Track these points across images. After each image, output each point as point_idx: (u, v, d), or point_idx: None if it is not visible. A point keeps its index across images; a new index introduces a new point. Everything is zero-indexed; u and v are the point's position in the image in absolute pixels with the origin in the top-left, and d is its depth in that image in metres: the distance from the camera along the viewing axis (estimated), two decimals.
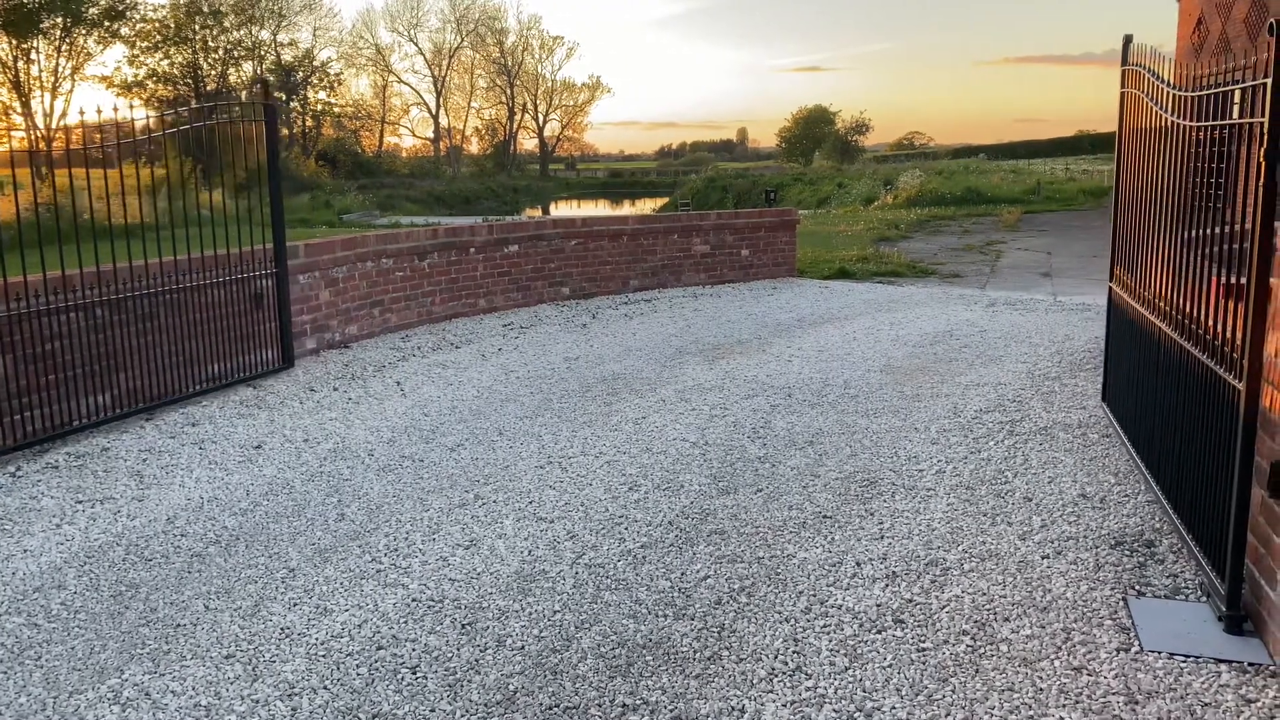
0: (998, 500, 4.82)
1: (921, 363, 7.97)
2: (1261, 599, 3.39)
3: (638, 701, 3.14)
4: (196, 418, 6.72)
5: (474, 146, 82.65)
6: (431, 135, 78.04)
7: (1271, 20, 3.29)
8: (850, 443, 5.84)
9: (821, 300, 11.52)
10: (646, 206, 55.74)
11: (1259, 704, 3.00)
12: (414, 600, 3.93)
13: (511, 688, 3.26)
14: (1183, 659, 3.29)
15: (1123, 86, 5.71)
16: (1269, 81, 3.30)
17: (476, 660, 3.44)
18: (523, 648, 3.52)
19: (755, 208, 23.15)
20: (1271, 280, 3.39)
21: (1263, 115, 3.34)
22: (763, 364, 8.09)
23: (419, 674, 3.37)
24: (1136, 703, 3.03)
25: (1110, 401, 6.11)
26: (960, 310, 10.60)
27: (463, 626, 3.69)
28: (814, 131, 76.38)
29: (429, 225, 13.40)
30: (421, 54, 78.71)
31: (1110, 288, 6.06)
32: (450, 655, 3.48)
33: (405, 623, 3.74)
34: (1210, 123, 4.01)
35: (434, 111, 77.00)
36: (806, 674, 3.26)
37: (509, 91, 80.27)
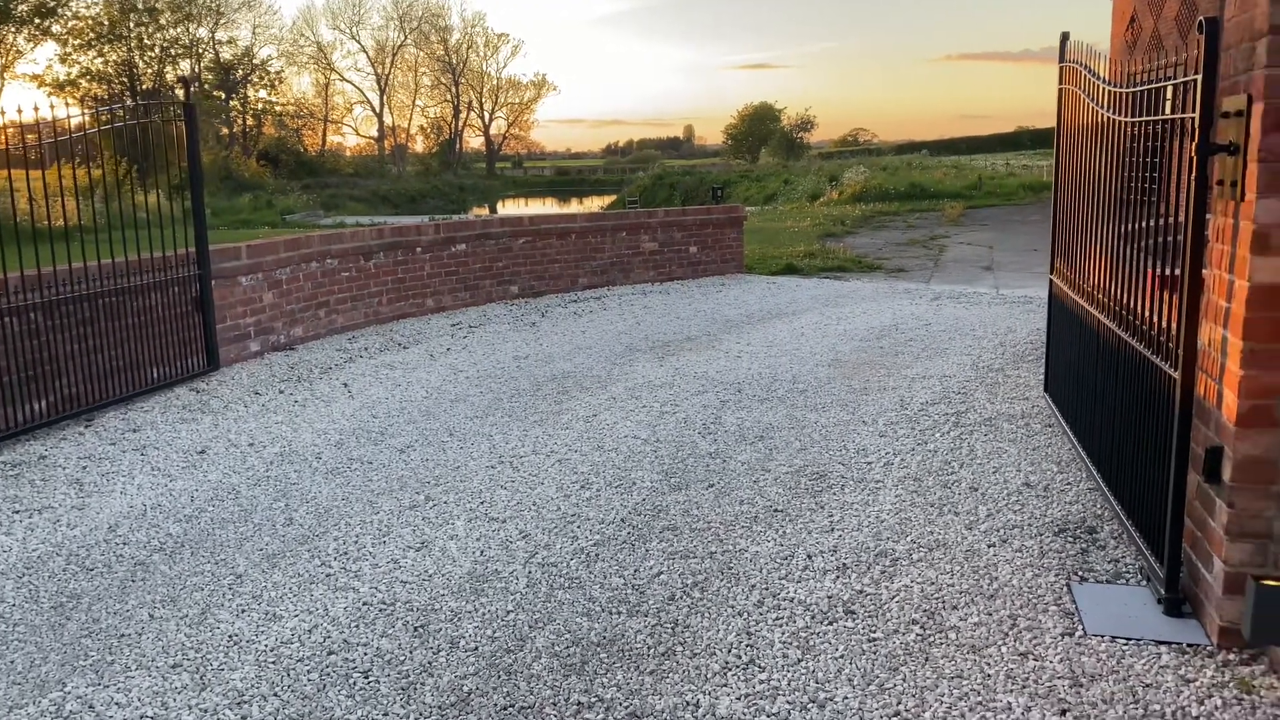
0: (945, 491, 4.89)
1: (868, 357, 8.06)
2: (1198, 581, 3.48)
3: (593, 699, 3.14)
4: (137, 423, 6.57)
5: (419, 145, 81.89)
6: (375, 134, 77.16)
7: (1201, 19, 3.38)
8: (800, 437, 5.89)
9: (770, 296, 11.60)
10: (594, 204, 55.65)
11: (1197, 684, 3.08)
12: (365, 604, 3.88)
13: (466, 689, 3.24)
14: (1124, 642, 3.37)
15: (1060, 83, 5.82)
16: (1199, 78, 3.39)
17: (430, 662, 3.42)
18: (476, 648, 3.50)
19: (703, 205, 23.24)
20: (1204, 271, 3.49)
21: (1193, 111, 3.43)
22: (712, 360, 8.13)
23: (371, 678, 3.33)
24: (1081, 685, 3.10)
25: (1052, 392, 6.23)
26: (905, 304, 10.74)
27: (415, 629, 3.66)
28: (760, 128, 76.88)
29: (374, 225, 13.26)
30: (364, 51, 77.73)
31: (1051, 280, 6.18)
32: (403, 658, 3.45)
33: (356, 627, 3.69)
34: (1144, 118, 4.11)
35: (378, 110, 76.15)
36: (760, 667, 3.29)
37: (454, 89, 79.65)
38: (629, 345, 8.82)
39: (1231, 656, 3.23)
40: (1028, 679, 3.14)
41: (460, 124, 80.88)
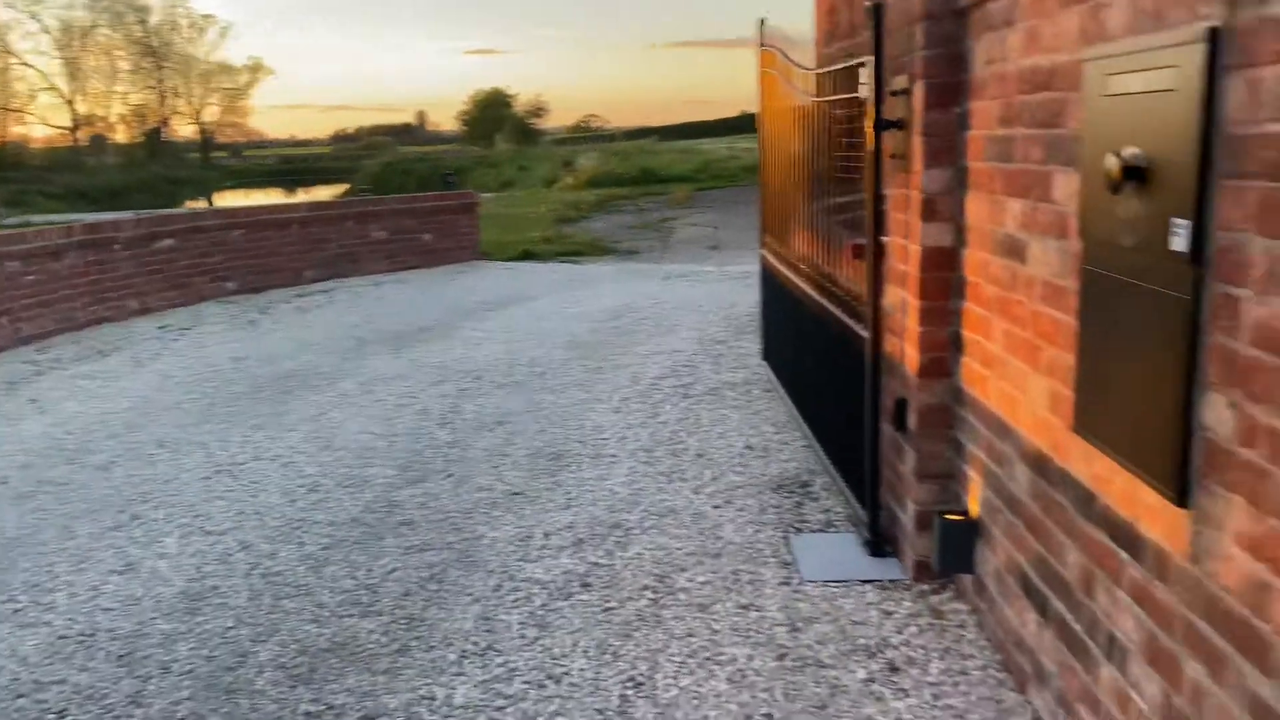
0: (674, 460, 5.07)
1: (604, 337, 8.22)
2: (895, 522, 3.81)
3: (321, 707, 3.00)
4: None
5: (121, 135, 74.70)
6: (68, 123, 69.66)
7: (868, 4, 3.66)
8: (538, 419, 5.91)
9: (507, 282, 11.57)
10: (324, 193, 53.10)
11: (896, 615, 3.38)
12: (60, 638, 3.50)
13: (179, 715, 2.99)
14: (836, 585, 3.63)
15: (760, 66, 6.16)
16: (872, 59, 3.68)
17: (138, 692, 3.13)
18: (191, 671, 3.24)
19: (438, 191, 22.78)
20: (884, 239, 3.81)
21: (869, 90, 3.72)
22: (450, 349, 8.00)
23: (68, 718, 3.01)
24: (798, 630, 3.31)
25: (769, 359, 6.62)
26: (638, 285, 11.05)
27: (120, 658, 3.34)
28: (493, 114, 76.34)
29: (67, 223, 11.99)
30: (48, 32, 69.82)
31: (761, 254, 6.55)
32: (106, 691, 3.14)
33: (50, 664, 3.33)
34: (831, 97, 4.41)
35: (68, 97, 68.77)
36: (498, 651, 3.27)
37: (158, 74, 73.29)
38: (361, 339, 8.50)
39: (925, 588, 3.56)
40: (750, 629, 3.32)
41: (168, 112, 74.61)
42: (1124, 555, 2.22)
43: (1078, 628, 2.49)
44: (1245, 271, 1.72)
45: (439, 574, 3.88)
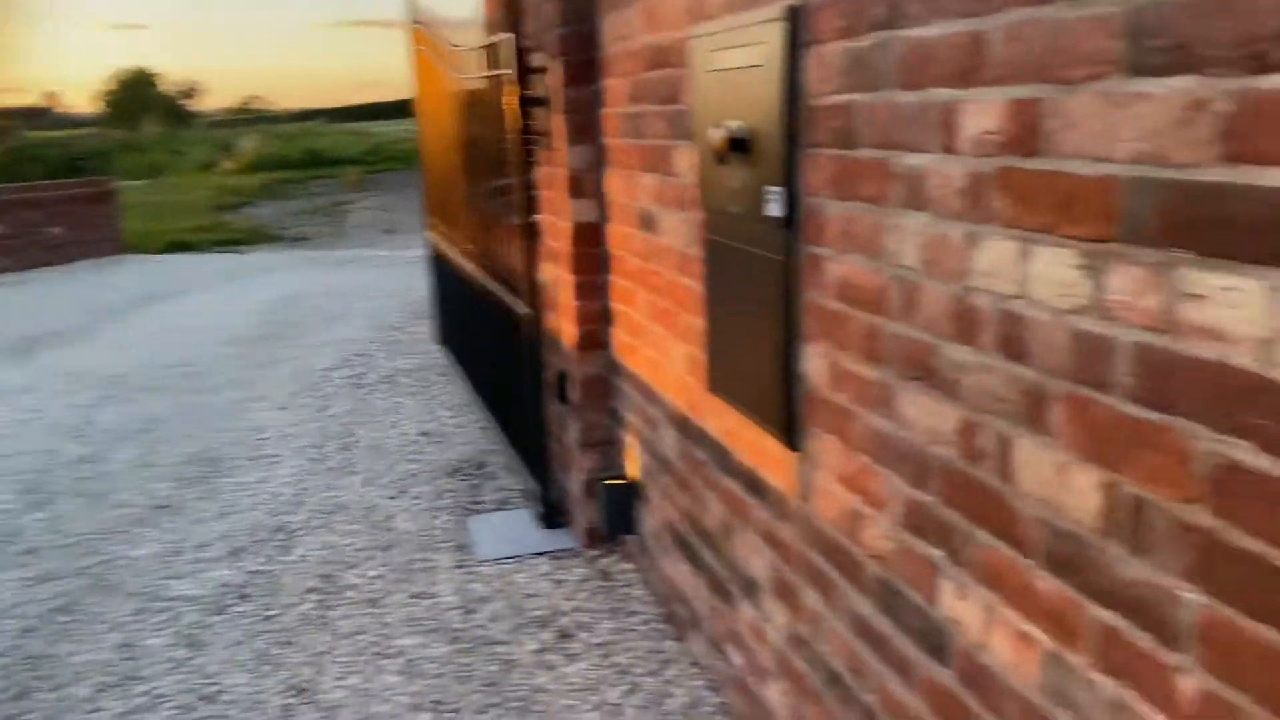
0: (344, 454, 4.87)
1: (269, 330, 7.74)
2: (566, 493, 3.89)
3: None
4: None
5: None
6: None
7: None
8: (191, 424, 5.45)
9: (157, 276, 10.58)
10: None
11: (568, 582, 3.45)
12: None
13: None
14: (510, 561, 3.64)
15: (413, 44, 6.00)
16: (511, 36, 3.68)
17: None
18: None
19: (72, 179, 20.38)
20: (537, 217, 3.84)
21: (510, 67, 3.72)
22: (87, 354, 7.18)
23: None
24: (472, 611, 3.29)
25: (445, 342, 6.53)
26: (308, 273, 10.51)
27: None
28: (138, 95, 69.35)
29: None
30: None
31: (428, 237, 6.43)
32: None
33: None
34: (478, 76, 4.38)
35: None
36: (140, 678, 2.97)
37: None
38: None
39: (596, 553, 3.66)
40: (422, 618, 3.25)
41: None
42: (753, 501, 2.39)
43: (722, 573, 2.65)
44: (825, 233, 1.89)
45: (69, 604, 3.47)
